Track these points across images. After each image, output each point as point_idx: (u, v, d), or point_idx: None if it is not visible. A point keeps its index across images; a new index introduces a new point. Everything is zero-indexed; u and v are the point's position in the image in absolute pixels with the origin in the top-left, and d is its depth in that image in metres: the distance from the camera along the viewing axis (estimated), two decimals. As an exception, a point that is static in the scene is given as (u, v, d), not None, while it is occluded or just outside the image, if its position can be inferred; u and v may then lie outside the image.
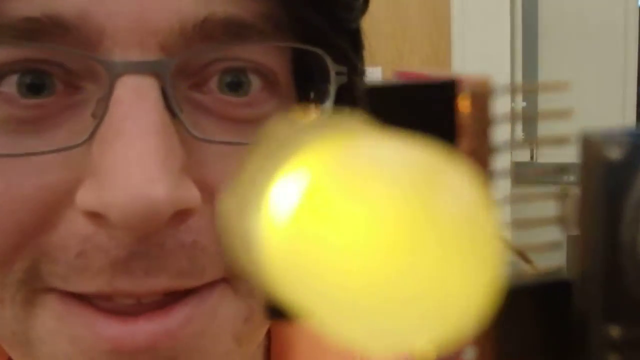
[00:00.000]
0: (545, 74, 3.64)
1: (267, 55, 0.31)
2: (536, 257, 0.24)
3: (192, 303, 0.31)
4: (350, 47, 0.39)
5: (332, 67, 0.32)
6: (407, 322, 0.11)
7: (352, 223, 0.11)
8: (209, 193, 0.30)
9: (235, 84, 0.30)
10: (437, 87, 0.18)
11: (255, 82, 0.31)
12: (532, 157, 3.56)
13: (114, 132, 0.27)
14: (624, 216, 0.13)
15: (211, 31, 0.29)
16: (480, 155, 0.18)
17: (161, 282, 0.29)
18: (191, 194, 0.29)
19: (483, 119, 0.17)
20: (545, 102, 3.75)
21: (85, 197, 0.27)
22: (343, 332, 0.12)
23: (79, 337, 0.29)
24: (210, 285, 0.32)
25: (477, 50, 3.23)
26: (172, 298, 0.31)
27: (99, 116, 0.28)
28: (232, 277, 0.31)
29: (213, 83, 0.31)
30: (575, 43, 3.62)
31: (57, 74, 0.29)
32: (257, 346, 0.41)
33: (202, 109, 0.31)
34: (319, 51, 0.31)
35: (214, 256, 0.30)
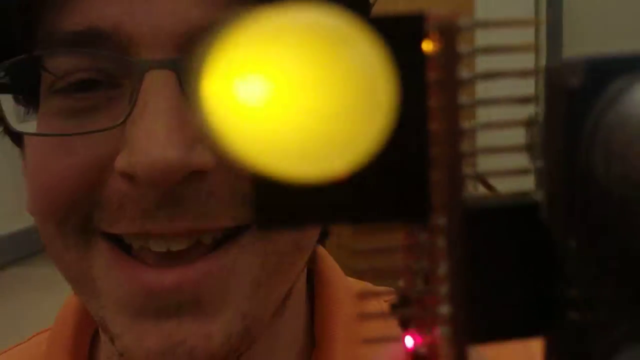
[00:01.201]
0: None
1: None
2: (504, 183, 0.24)
3: (213, 258, 0.38)
4: None
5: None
6: (324, 150, 0.14)
7: (270, 73, 0.14)
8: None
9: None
10: (405, 21, 0.16)
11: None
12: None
13: (141, 113, 0.35)
14: (581, 141, 0.14)
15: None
16: (449, 89, 0.16)
17: (182, 225, 0.37)
18: (204, 157, 0.36)
19: (451, 55, 0.16)
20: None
21: (120, 162, 0.36)
22: (280, 167, 0.15)
23: (122, 280, 0.38)
24: (231, 235, 0.39)
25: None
26: (198, 250, 0.38)
27: (132, 102, 0.36)
28: (249, 227, 0.39)
29: None
30: (599, 41, 3.62)
31: (99, 75, 0.38)
32: (298, 314, 0.48)
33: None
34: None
35: (228, 205, 0.38)
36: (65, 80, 0.38)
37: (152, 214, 0.37)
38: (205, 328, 0.38)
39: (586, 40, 3.64)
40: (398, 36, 0.16)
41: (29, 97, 0.43)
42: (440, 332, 0.15)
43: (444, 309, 0.15)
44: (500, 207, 0.16)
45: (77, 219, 0.39)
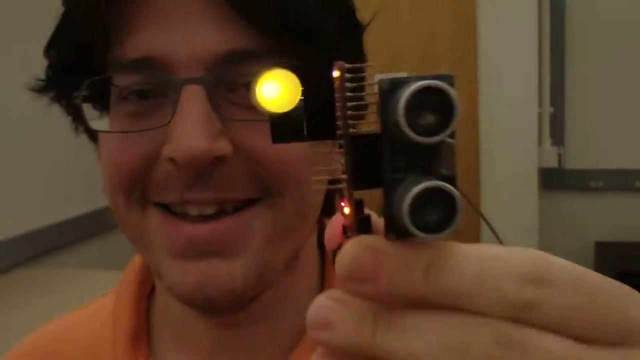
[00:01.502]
0: (572, 78, 3.64)
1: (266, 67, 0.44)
2: None
3: (233, 218, 0.54)
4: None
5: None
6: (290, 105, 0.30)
7: None
8: (239, 146, 0.52)
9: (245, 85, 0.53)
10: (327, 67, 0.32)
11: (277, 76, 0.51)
12: (559, 163, 3.56)
13: (180, 116, 0.50)
14: (389, 110, 0.28)
15: (232, 58, 0.51)
16: (341, 87, 0.30)
17: (210, 196, 0.53)
18: (224, 146, 0.51)
19: (341, 79, 0.31)
20: (572, 106, 3.76)
21: (166, 151, 0.51)
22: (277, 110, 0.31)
23: (169, 234, 0.54)
24: (247, 204, 0.54)
25: (504, 54, 3.23)
26: (223, 213, 0.54)
27: (173, 108, 0.51)
28: (264, 196, 0.54)
29: (242, 88, 0.53)
30: (603, 47, 3.62)
31: (151, 88, 0.54)
32: (310, 271, 0.64)
33: (232, 103, 0.53)
34: (288, 61, 0.52)
35: (243, 183, 0.54)
36: (127, 92, 0.54)
37: (188, 188, 0.53)
38: (228, 268, 0.53)
39: (588, 48, 3.64)
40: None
41: (101, 105, 0.59)
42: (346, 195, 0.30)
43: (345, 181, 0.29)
44: (366, 135, 0.29)
45: (137, 193, 0.56)
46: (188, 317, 0.61)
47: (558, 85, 3.62)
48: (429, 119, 0.27)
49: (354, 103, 0.29)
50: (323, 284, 0.64)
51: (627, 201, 3.71)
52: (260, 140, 0.51)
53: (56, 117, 2.47)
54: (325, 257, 0.65)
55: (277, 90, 0.29)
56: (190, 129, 0.49)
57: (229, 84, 0.53)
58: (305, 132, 0.30)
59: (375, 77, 0.29)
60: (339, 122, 0.29)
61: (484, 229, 3.38)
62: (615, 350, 0.25)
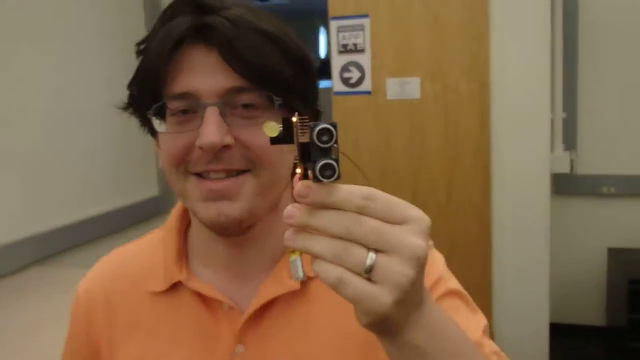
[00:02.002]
0: (584, 83, 3.64)
1: (256, 98, 0.86)
2: None
3: (234, 179, 0.87)
4: (298, 97, 0.91)
5: (276, 100, 0.86)
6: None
7: None
8: (237, 139, 0.85)
9: (246, 106, 0.86)
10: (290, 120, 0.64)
11: (255, 104, 0.86)
12: (572, 169, 3.56)
13: (204, 124, 0.83)
14: (312, 139, 0.60)
15: (231, 91, 0.85)
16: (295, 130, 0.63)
17: (222, 166, 0.85)
18: (229, 139, 0.85)
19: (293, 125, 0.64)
20: (585, 112, 3.77)
21: (197, 142, 0.84)
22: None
23: (199, 188, 0.87)
24: (242, 172, 0.87)
25: (516, 60, 3.23)
26: (228, 176, 0.86)
27: (201, 120, 0.84)
28: (251, 168, 0.87)
29: (239, 107, 0.86)
30: (615, 52, 3.62)
31: (189, 109, 0.86)
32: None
33: (233, 115, 0.86)
34: (269, 93, 0.87)
35: (240, 159, 0.86)
36: (176, 110, 0.88)
37: (209, 163, 0.86)
38: (232, 207, 0.87)
39: (601, 54, 3.64)
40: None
41: (161, 117, 0.91)
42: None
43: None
44: (304, 143, 0.60)
45: (182, 167, 0.88)
46: (210, 242, 0.96)
47: (570, 91, 3.62)
48: (325, 137, 0.60)
49: (300, 131, 0.62)
50: None
51: (639, 207, 3.71)
52: (250, 136, 0.86)
53: (72, 121, 2.49)
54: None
55: (271, 127, 0.62)
56: (210, 130, 0.84)
57: (231, 105, 0.87)
58: (282, 140, 0.63)
59: (310, 123, 0.60)
60: (295, 137, 0.62)
61: (494, 231, 3.38)
62: (402, 226, 0.59)
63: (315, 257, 0.59)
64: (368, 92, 3.48)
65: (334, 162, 0.59)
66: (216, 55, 0.84)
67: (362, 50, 3.45)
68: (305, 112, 0.68)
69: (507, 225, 3.37)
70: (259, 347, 0.91)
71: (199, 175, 0.87)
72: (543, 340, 3.39)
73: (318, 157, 0.59)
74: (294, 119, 0.61)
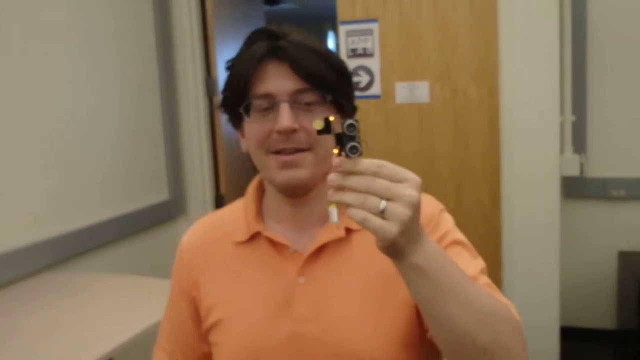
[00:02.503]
0: (594, 86, 3.64)
1: (314, 96, 1.19)
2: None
3: (300, 154, 1.19)
4: (343, 95, 1.26)
5: (327, 97, 1.21)
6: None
7: None
8: (301, 126, 1.17)
9: (308, 103, 1.19)
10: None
11: (312, 101, 1.19)
12: (581, 172, 3.55)
13: (280, 115, 1.17)
14: (343, 130, 0.93)
15: (297, 91, 1.18)
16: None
17: (291, 145, 1.18)
18: (296, 126, 1.17)
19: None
20: (594, 115, 3.76)
21: (275, 128, 1.17)
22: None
23: (277, 161, 1.20)
24: (305, 150, 1.19)
25: (525, 63, 3.24)
26: (296, 153, 1.19)
27: (277, 112, 1.18)
28: (310, 148, 1.20)
29: (303, 103, 1.19)
30: (624, 55, 3.61)
31: (268, 105, 1.20)
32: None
33: (299, 109, 1.19)
34: (322, 92, 1.20)
35: (303, 141, 1.19)
36: (259, 108, 1.20)
37: (283, 143, 1.18)
38: (299, 173, 1.19)
39: (610, 57, 3.64)
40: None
41: (246, 113, 1.21)
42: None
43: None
44: (339, 133, 0.92)
45: (264, 147, 1.20)
46: (280, 204, 1.29)
47: (580, 94, 3.62)
48: (351, 128, 0.90)
49: (339, 127, 0.91)
50: None
51: (649, 210, 3.71)
52: (309, 124, 1.16)
53: (84, 127, 2.51)
54: None
55: (317, 123, 0.93)
56: (284, 118, 1.16)
57: (297, 101, 1.19)
58: (324, 132, 0.93)
59: (344, 121, 0.90)
60: (332, 129, 0.93)
61: (504, 234, 3.38)
62: (402, 183, 0.88)
63: (348, 205, 0.89)
64: (377, 96, 3.50)
65: (357, 144, 0.90)
66: (286, 67, 1.18)
67: (371, 55, 3.46)
68: (345, 106, 1.26)
69: (516, 229, 3.37)
70: (314, 278, 1.23)
71: (276, 152, 1.19)
72: (553, 344, 3.39)
73: (347, 142, 0.90)
74: (331, 118, 0.94)
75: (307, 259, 1.23)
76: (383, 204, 0.88)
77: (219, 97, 3.75)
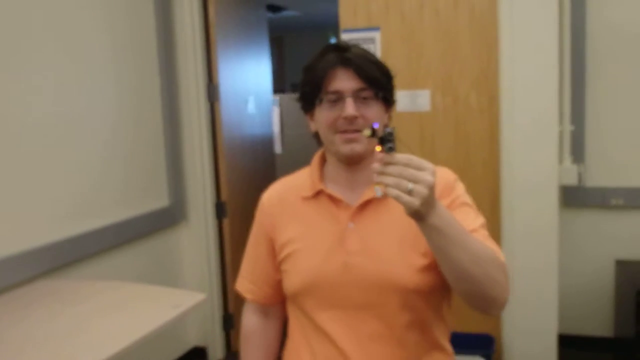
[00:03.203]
0: (593, 96, 3.65)
1: (370, 93, 1.57)
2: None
3: (358, 134, 1.55)
4: (389, 92, 1.65)
5: (379, 94, 1.60)
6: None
7: None
8: (360, 113, 1.55)
9: (365, 98, 1.57)
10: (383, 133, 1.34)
11: (368, 97, 1.57)
12: (580, 181, 3.57)
13: (345, 105, 1.55)
14: (384, 135, 1.30)
15: (359, 89, 1.56)
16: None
17: (353, 127, 1.55)
18: (356, 113, 1.55)
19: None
20: (593, 124, 3.78)
21: (343, 114, 1.55)
22: None
23: (342, 138, 1.58)
24: (362, 131, 1.52)
25: (525, 74, 3.26)
26: (356, 133, 1.56)
27: (343, 103, 1.56)
28: (364, 129, 1.41)
29: (362, 98, 1.57)
30: (623, 65, 3.62)
31: (337, 98, 1.58)
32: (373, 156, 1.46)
33: (359, 102, 1.56)
34: (376, 90, 1.59)
35: (362, 124, 1.55)
36: (330, 100, 1.58)
37: (348, 125, 1.55)
38: (358, 146, 1.56)
39: (609, 66, 3.65)
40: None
41: (320, 103, 1.60)
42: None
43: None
44: (380, 136, 1.29)
45: (332, 128, 1.59)
46: (338, 170, 1.66)
47: (579, 103, 3.64)
48: (389, 133, 1.27)
49: (381, 133, 1.28)
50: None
51: (647, 219, 3.72)
52: (365, 113, 1.54)
53: (83, 132, 2.56)
54: None
55: (366, 131, 1.32)
56: (349, 108, 1.53)
57: (357, 97, 1.55)
58: (373, 136, 1.31)
59: (385, 129, 1.28)
60: (377, 135, 1.30)
61: (503, 243, 3.40)
62: (423, 171, 1.24)
63: (386, 185, 1.25)
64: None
65: (393, 145, 1.27)
66: (351, 72, 1.57)
67: (372, 63, 3.48)
68: (390, 100, 1.64)
69: (515, 237, 3.39)
70: (360, 224, 1.61)
71: (342, 132, 1.57)
72: (552, 351, 3.41)
73: (386, 143, 1.27)
74: (376, 127, 1.32)
75: (356, 209, 1.61)
76: (410, 185, 1.24)
77: (220, 103, 3.83)
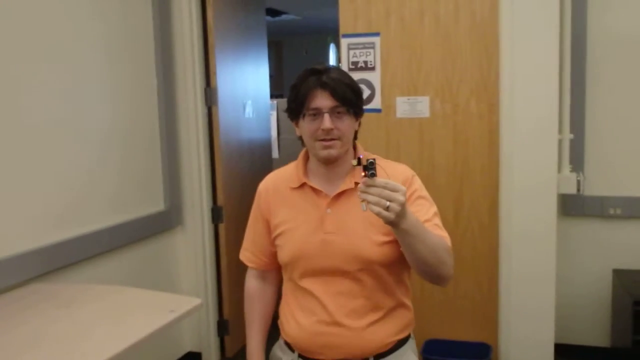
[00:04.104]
0: (592, 105, 3.64)
1: (343, 109, 1.88)
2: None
3: (334, 141, 1.89)
4: (358, 107, 1.97)
5: (350, 110, 1.91)
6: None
7: None
8: (335, 126, 1.87)
9: (339, 112, 1.88)
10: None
11: (342, 112, 1.88)
12: (578, 190, 3.55)
13: (324, 120, 1.86)
14: (367, 164, 1.63)
15: (334, 106, 1.87)
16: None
17: (330, 136, 1.87)
18: (332, 126, 1.87)
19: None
20: (593, 134, 3.77)
21: (321, 127, 1.87)
22: None
23: (321, 145, 1.90)
24: (336, 139, 1.89)
25: (525, 82, 3.25)
26: (331, 140, 1.88)
27: (322, 119, 1.87)
28: (340, 139, 1.89)
29: (338, 113, 1.88)
30: (623, 74, 3.62)
31: (316, 114, 1.89)
32: (351, 156, 1.99)
33: (334, 117, 1.87)
34: (348, 108, 1.90)
35: (336, 134, 1.88)
36: (311, 114, 1.89)
37: (326, 135, 1.87)
38: (333, 151, 1.89)
39: (608, 75, 3.65)
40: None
41: (303, 118, 1.92)
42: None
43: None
44: (364, 165, 1.61)
45: (314, 137, 1.89)
46: (318, 166, 1.98)
47: (578, 112, 3.63)
48: (371, 162, 1.58)
49: (364, 163, 1.60)
50: (354, 155, 1.97)
51: (646, 229, 3.72)
52: (339, 125, 1.87)
53: (78, 136, 2.53)
54: (355, 150, 2.02)
55: (353, 161, 1.65)
56: (326, 122, 1.85)
57: (333, 112, 1.86)
58: (358, 164, 1.63)
59: (367, 159, 1.59)
60: (361, 164, 1.62)
61: (501, 251, 3.38)
62: (397, 192, 1.59)
63: (368, 202, 1.57)
64: (378, 110, 3.51)
65: (374, 172, 1.57)
66: (327, 93, 1.87)
67: (372, 68, 3.47)
68: (358, 114, 1.95)
69: (514, 245, 3.38)
70: (336, 209, 1.94)
71: (321, 140, 1.87)
72: (548, 361, 3.40)
73: (369, 169, 1.57)
74: (361, 157, 1.62)
75: (333, 198, 1.95)
76: (387, 204, 1.57)
77: (218, 107, 3.84)
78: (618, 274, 3.70)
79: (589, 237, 3.78)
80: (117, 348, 1.92)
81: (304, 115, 1.93)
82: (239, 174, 4.32)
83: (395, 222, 1.64)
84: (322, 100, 1.89)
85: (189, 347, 4.10)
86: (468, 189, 3.44)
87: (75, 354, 1.92)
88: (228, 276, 4.14)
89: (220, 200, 4.07)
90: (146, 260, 3.62)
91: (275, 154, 6.28)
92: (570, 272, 3.78)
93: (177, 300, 2.42)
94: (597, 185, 3.70)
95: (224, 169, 4.09)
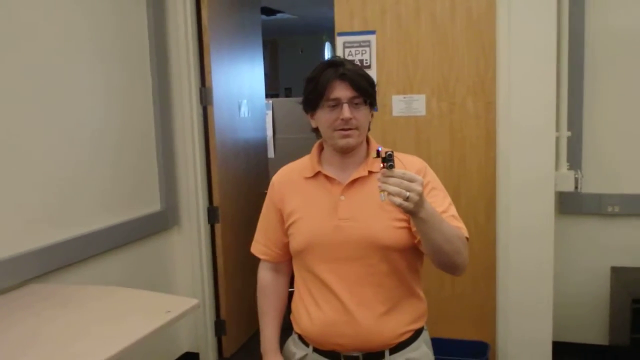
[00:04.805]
0: (590, 102, 3.64)
1: (360, 100, 1.94)
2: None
3: (353, 130, 1.94)
4: (373, 99, 2.03)
5: (367, 100, 1.97)
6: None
7: None
8: (353, 116, 1.92)
9: (356, 103, 1.94)
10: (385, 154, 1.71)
11: (359, 102, 1.94)
12: (576, 187, 3.55)
13: (343, 109, 1.92)
14: (386, 156, 1.66)
15: (353, 97, 1.93)
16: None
17: (348, 126, 1.93)
18: (351, 115, 1.92)
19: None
20: (590, 131, 3.77)
21: (340, 117, 1.93)
22: None
23: (339, 135, 1.95)
24: (354, 129, 1.95)
25: (522, 80, 3.24)
26: (350, 130, 1.94)
27: (342, 108, 1.92)
28: (357, 128, 1.95)
29: (355, 104, 1.94)
30: (621, 72, 3.62)
31: (335, 104, 1.95)
32: (364, 147, 2.06)
33: (353, 107, 1.92)
34: (365, 98, 1.96)
35: (354, 123, 1.93)
36: (330, 105, 1.94)
37: (344, 124, 1.92)
38: (351, 140, 1.95)
39: (606, 73, 3.64)
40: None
41: (320, 109, 1.97)
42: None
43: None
44: (382, 156, 1.64)
45: (332, 127, 1.94)
46: (333, 155, 2.03)
47: (576, 110, 3.62)
48: (390, 154, 1.62)
49: (383, 154, 1.64)
50: (367, 146, 2.06)
51: (643, 227, 3.71)
52: (357, 115, 1.92)
53: (73, 137, 2.51)
54: (368, 142, 2.07)
55: (374, 154, 1.66)
56: (345, 112, 1.90)
57: (351, 103, 1.92)
58: (377, 156, 1.65)
59: (385, 151, 1.64)
60: (381, 156, 1.64)
61: (499, 249, 3.38)
62: (414, 182, 1.62)
63: (388, 193, 1.60)
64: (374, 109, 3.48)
65: (392, 163, 1.61)
66: (346, 84, 1.92)
67: (368, 67, 3.46)
68: (374, 104, 2.00)
69: (511, 243, 3.37)
70: (350, 196, 1.98)
71: (340, 130, 1.92)
72: (546, 358, 3.39)
73: (387, 161, 1.61)
74: (380, 150, 1.63)
75: (346, 186, 1.99)
76: (406, 194, 1.60)
77: (213, 107, 3.82)
78: (616, 271, 3.69)
79: (587, 235, 3.78)
80: (114, 349, 1.91)
81: (322, 106, 1.97)
82: (235, 174, 4.31)
83: (414, 212, 1.67)
84: (341, 91, 1.94)
85: (186, 347, 4.09)
86: (465, 187, 3.44)
87: (72, 354, 1.91)
88: (225, 276, 4.13)
89: (216, 200, 4.06)
90: (143, 261, 3.61)
91: (270, 153, 6.26)
92: (568, 270, 3.77)
93: (174, 301, 2.41)
94: (595, 183, 3.69)
95: (220, 168, 4.07)
